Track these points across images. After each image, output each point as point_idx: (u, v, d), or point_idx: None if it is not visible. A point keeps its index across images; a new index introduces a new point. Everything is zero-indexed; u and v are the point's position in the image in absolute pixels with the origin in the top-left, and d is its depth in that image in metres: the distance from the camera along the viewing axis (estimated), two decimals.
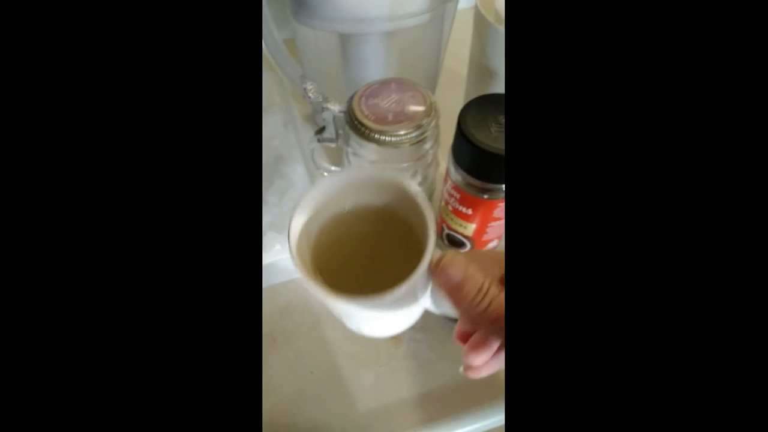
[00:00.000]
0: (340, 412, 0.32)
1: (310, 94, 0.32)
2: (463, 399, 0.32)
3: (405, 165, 0.36)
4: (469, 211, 0.31)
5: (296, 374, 0.33)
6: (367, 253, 0.24)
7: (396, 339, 0.35)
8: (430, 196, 0.43)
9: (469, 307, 0.18)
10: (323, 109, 0.33)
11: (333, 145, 0.37)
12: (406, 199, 0.22)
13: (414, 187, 0.21)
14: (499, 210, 0.31)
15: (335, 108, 0.33)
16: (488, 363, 0.22)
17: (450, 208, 0.33)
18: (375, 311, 0.20)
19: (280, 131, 0.43)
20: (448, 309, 0.22)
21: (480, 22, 0.33)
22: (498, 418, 0.32)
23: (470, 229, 0.33)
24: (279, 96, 0.41)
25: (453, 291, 0.18)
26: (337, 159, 0.42)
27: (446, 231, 0.36)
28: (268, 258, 0.34)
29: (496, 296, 0.18)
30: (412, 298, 0.21)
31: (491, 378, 0.33)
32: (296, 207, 0.21)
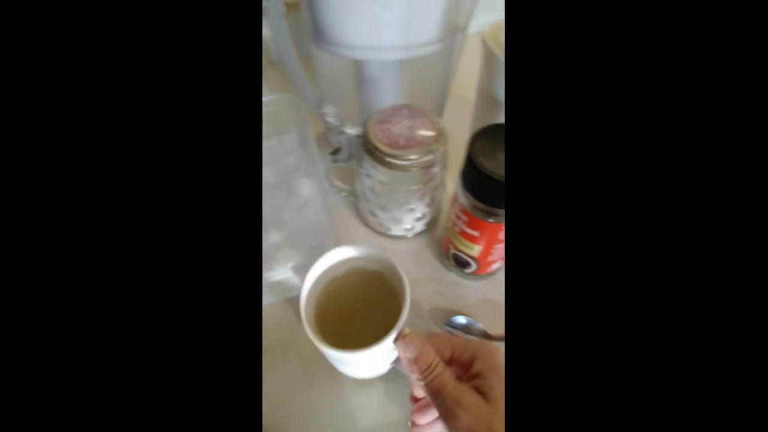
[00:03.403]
0: (342, 426, 0.33)
1: (329, 118, 0.34)
2: None
3: (414, 187, 0.37)
4: (476, 233, 0.33)
5: (301, 389, 0.34)
6: (357, 306, 0.31)
7: None
8: (436, 217, 0.44)
9: (418, 378, 0.23)
10: (340, 132, 0.34)
11: (346, 165, 0.39)
12: (392, 270, 0.29)
13: (398, 264, 0.29)
14: (504, 233, 0.32)
15: (352, 131, 0.35)
16: (430, 424, 0.26)
17: (457, 229, 0.34)
18: (353, 361, 0.27)
19: (295, 150, 0.45)
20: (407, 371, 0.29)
21: (487, 54, 0.35)
22: None
23: (476, 250, 0.35)
24: (295, 116, 0.42)
25: (409, 363, 0.24)
26: (349, 178, 0.43)
27: (452, 251, 0.37)
28: (282, 274, 0.35)
29: (440, 374, 0.23)
30: (382, 355, 0.27)
31: None
32: (306, 276, 0.29)
